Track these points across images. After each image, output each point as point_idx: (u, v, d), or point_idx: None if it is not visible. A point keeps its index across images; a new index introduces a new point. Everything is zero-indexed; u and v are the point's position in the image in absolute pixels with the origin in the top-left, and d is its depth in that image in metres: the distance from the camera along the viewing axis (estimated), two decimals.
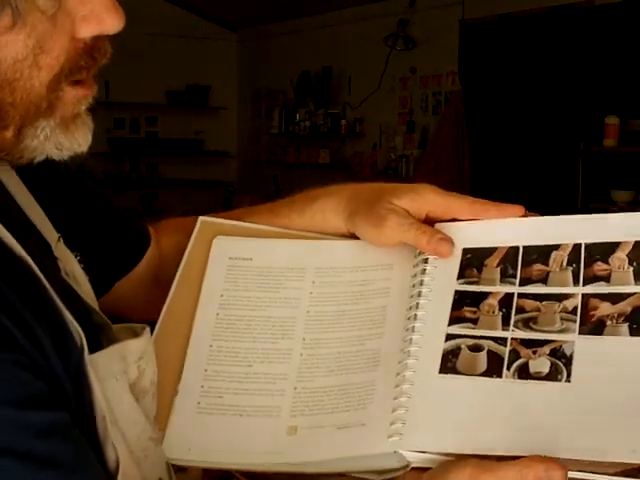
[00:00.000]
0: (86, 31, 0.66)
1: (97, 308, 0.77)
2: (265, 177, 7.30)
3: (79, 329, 0.65)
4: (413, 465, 0.70)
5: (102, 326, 0.73)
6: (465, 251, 0.78)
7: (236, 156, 7.93)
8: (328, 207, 0.87)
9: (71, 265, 0.78)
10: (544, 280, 0.73)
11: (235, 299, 0.82)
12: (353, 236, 0.84)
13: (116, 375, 0.69)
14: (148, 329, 0.74)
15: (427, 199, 0.81)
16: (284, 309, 0.81)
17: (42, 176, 0.82)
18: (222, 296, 0.83)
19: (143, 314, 0.99)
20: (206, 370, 0.79)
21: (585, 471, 0.64)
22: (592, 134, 4.75)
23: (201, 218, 0.89)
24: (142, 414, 0.71)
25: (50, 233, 0.78)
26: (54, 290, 0.66)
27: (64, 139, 0.69)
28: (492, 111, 5.48)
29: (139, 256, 0.97)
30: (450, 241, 0.78)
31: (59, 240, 0.78)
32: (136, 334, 0.74)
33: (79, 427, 0.62)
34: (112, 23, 0.66)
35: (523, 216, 0.79)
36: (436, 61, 5.94)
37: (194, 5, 7.35)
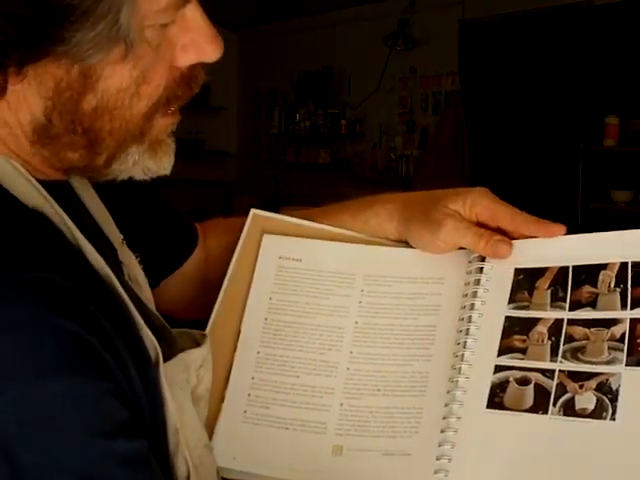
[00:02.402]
0: (186, 60, 0.66)
1: (155, 310, 0.78)
2: (265, 177, 7.30)
3: (155, 343, 0.65)
4: None
5: (160, 329, 0.72)
6: (517, 271, 0.77)
7: (236, 156, 7.93)
8: (382, 213, 0.86)
9: (134, 269, 0.78)
10: (593, 303, 0.73)
11: (283, 304, 0.82)
12: (404, 243, 0.84)
13: (180, 384, 0.69)
14: (208, 337, 0.75)
15: (477, 200, 0.81)
16: (332, 318, 0.80)
17: None
18: (271, 299, 0.82)
19: (187, 313, 0.99)
20: (253, 378, 0.79)
21: None
22: (592, 134, 4.75)
23: (253, 210, 0.89)
24: (199, 422, 0.72)
25: (115, 235, 0.78)
26: (129, 301, 0.66)
27: (152, 164, 0.69)
28: (492, 111, 5.47)
29: (186, 254, 0.96)
30: (508, 242, 0.78)
31: (123, 242, 0.79)
32: (195, 340, 0.75)
33: (152, 442, 0.62)
34: (211, 52, 0.67)
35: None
36: (436, 61, 5.94)
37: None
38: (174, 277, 0.94)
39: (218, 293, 0.86)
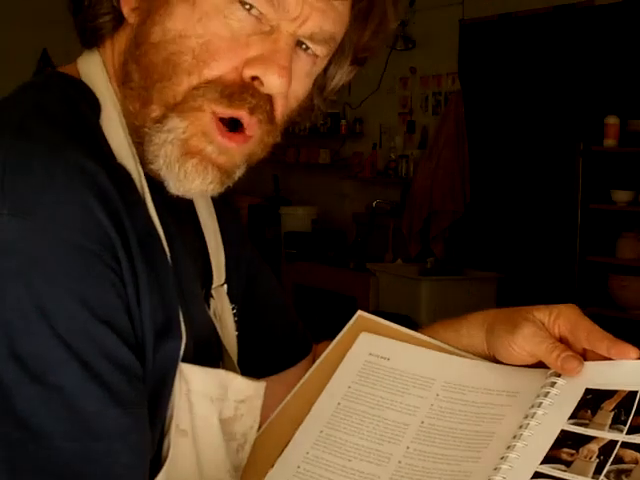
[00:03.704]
0: (250, 69, 0.69)
1: (234, 357, 0.80)
2: (265, 177, 7.29)
3: (184, 334, 0.67)
4: None
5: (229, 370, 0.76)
6: (587, 391, 0.76)
7: None
8: (473, 320, 0.87)
9: (223, 309, 0.81)
10: None
11: (360, 393, 0.85)
12: (491, 359, 0.86)
13: (212, 397, 0.71)
14: (264, 385, 0.78)
15: (562, 312, 0.80)
16: (401, 414, 0.83)
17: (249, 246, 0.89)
18: (349, 387, 0.86)
19: None
20: (308, 453, 0.81)
21: None
22: (592, 134, 4.75)
23: (360, 312, 0.93)
24: (225, 448, 0.73)
25: (219, 274, 0.81)
26: (183, 300, 0.69)
27: (174, 162, 0.70)
28: (492, 111, 5.47)
29: (294, 360, 0.98)
30: (580, 360, 0.77)
31: (223, 285, 0.82)
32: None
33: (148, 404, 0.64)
34: (275, 77, 0.69)
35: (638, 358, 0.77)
36: (436, 61, 5.94)
37: None
38: (273, 381, 0.94)
39: None
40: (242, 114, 0.69)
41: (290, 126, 0.78)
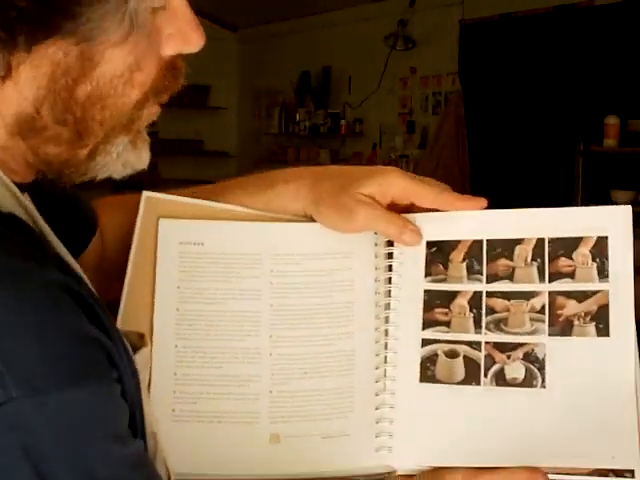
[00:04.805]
0: (171, 49, 0.65)
1: None
2: None
3: (129, 345, 0.63)
4: (399, 472, 0.71)
5: None
6: (429, 244, 0.77)
7: (236, 156, 7.93)
8: (285, 193, 0.82)
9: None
10: (510, 277, 0.74)
11: (193, 292, 0.77)
12: (309, 218, 0.81)
13: (144, 386, 0.67)
14: (147, 337, 0.71)
15: (393, 183, 0.79)
16: (245, 302, 0.77)
17: None
18: (179, 288, 0.77)
19: None
20: (175, 374, 0.75)
21: (562, 473, 0.67)
22: (592, 134, 4.75)
23: (145, 193, 0.81)
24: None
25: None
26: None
27: (132, 156, 0.67)
28: (492, 111, 5.47)
29: (86, 242, 0.87)
30: (419, 232, 0.77)
31: None
32: (130, 341, 0.71)
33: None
34: (196, 41, 0.66)
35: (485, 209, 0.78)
36: (436, 61, 5.94)
37: (194, 5, 7.34)
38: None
39: (115, 282, 0.80)
40: (167, 97, 0.68)
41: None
